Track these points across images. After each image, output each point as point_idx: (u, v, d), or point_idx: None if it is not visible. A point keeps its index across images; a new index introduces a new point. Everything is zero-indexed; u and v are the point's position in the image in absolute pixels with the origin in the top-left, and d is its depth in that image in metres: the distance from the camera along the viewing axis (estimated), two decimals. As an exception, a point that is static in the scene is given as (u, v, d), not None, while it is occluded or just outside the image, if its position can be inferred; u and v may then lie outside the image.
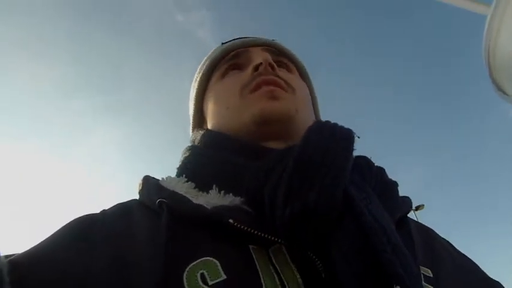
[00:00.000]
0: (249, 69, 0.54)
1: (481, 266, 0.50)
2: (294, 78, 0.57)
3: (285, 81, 0.53)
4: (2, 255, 0.19)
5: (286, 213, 0.35)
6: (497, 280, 0.49)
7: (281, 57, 0.60)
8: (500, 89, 0.52)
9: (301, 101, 0.54)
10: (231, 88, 0.54)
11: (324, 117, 0.65)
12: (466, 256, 0.51)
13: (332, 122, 0.44)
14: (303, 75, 0.63)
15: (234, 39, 0.62)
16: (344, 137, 0.41)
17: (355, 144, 0.41)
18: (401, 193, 0.49)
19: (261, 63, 0.52)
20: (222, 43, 0.62)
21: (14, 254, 0.37)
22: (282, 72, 0.55)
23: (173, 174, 0.51)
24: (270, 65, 0.53)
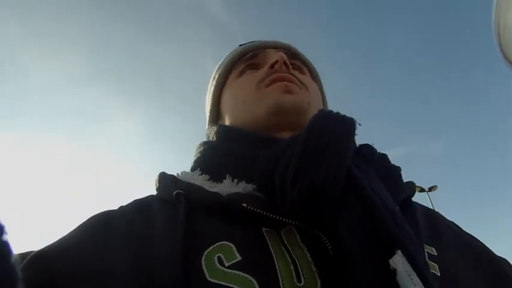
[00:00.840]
0: (265, 67, 0.57)
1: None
2: (306, 79, 0.61)
3: (298, 79, 0.57)
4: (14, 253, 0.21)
5: (295, 191, 0.37)
6: (504, 258, 0.50)
7: (295, 59, 0.64)
8: (511, 62, 0.51)
9: (313, 97, 0.58)
10: (248, 84, 0.58)
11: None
12: (472, 235, 0.52)
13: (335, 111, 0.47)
14: (314, 78, 0.67)
15: (251, 42, 0.66)
16: (346, 123, 0.45)
17: (357, 130, 0.45)
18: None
19: (277, 61, 0.56)
20: (240, 45, 0.66)
21: (32, 251, 0.38)
22: (295, 72, 0.59)
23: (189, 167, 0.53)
24: (285, 63, 0.56)
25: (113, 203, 0.47)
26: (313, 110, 0.53)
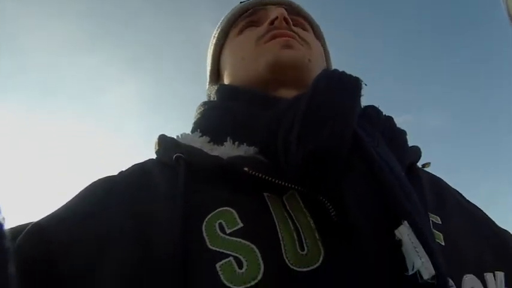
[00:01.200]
0: (265, 24, 0.55)
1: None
2: (308, 35, 0.59)
3: (299, 36, 0.55)
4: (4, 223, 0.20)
5: (299, 153, 0.35)
6: (507, 230, 0.50)
7: (297, 16, 0.61)
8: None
9: (315, 54, 0.56)
10: (247, 41, 0.56)
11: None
12: (475, 205, 0.52)
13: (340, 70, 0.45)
14: (318, 36, 0.64)
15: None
16: (352, 83, 0.42)
17: (362, 91, 0.43)
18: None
19: (277, 17, 0.54)
20: (241, 1, 0.63)
21: (30, 223, 0.38)
22: (297, 29, 0.57)
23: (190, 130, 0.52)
24: (285, 19, 0.54)
25: (111, 172, 0.46)
26: (314, 67, 0.52)
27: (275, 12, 0.55)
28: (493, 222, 0.50)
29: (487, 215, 0.51)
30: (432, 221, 0.41)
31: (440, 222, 0.42)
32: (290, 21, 0.55)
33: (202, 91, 0.66)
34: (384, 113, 0.48)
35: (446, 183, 0.53)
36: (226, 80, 0.59)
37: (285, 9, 0.58)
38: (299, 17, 0.61)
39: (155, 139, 0.49)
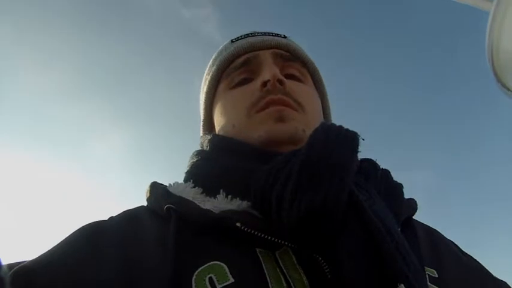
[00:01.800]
0: (258, 83, 0.53)
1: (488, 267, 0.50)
2: (304, 92, 0.56)
3: (294, 100, 0.52)
4: (3, 264, 0.20)
5: (293, 213, 0.35)
6: (503, 280, 0.49)
7: (292, 62, 0.58)
8: (504, 86, 0.51)
9: (311, 119, 0.53)
10: (238, 105, 0.53)
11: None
12: (471, 257, 0.51)
13: (337, 124, 0.44)
14: (316, 81, 0.62)
15: (243, 37, 0.60)
16: (349, 139, 0.41)
17: (360, 147, 0.42)
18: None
19: (269, 80, 0.51)
20: (232, 40, 0.61)
21: (22, 262, 0.37)
22: (292, 84, 0.54)
23: (182, 179, 0.51)
24: (279, 80, 0.52)
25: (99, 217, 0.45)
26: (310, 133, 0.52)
27: (268, 70, 0.53)
28: (491, 274, 0.49)
29: (483, 266, 0.50)
30: (428, 274, 0.40)
31: (436, 276, 0.41)
32: (284, 81, 0.52)
33: (188, 145, 0.64)
34: (380, 166, 0.48)
35: (441, 234, 0.53)
36: (219, 132, 0.57)
37: (280, 54, 0.57)
38: (294, 63, 0.58)
39: (147, 186, 0.49)
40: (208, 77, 0.61)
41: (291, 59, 0.58)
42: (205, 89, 0.62)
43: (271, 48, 0.57)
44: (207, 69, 0.64)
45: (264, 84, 0.52)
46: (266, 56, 0.56)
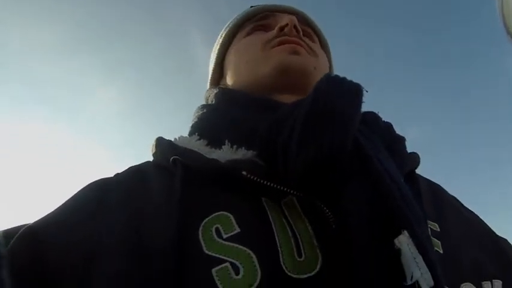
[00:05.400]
0: (275, 29, 0.55)
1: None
2: (315, 46, 0.59)
3: (307, 45, 0.55)
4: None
5: (299, 160, 0.35)
6: (504, 238, 0.50)
7: (306, 27, 0.61)
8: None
9: (321, 63, 0.56)
10: (254, 44, 0.56)
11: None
12: (473, 212, 0.52)
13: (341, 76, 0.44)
14: (325, 49, 0.65)
15: (263, 5, 0.63)
16: (353, 89, 0.42)
17: (363, 98, 0.42)
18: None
19: (287, 24, 0.54)
20: (251, 6, 0.63)
21: (26, 224, 0.37)
22: (305, 39, 0.57)
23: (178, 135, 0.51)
24: (295, 27, 0.54)
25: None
26: (319, 75, 0.51)
27: (286, 19, 0.55)
28: (492, 230, 0.50)
29: (485, 223, 0.51)
30: (430, 228, 0.41)
31: (438, 230, 0.42)
32: (300, 30, 0.55)
33: (185, 100, 0.67)
34: (382, 119, 0.48)
35: (444, 189, 0.53)
36: (229, 82, 0.58)
37: (296, 18, 0.58)
38: (308, 28, 0.62)
39: (152, 141, 0.48)
40: (224, 32, 0.63)
41: (306, 24, 0.62)
42: (220, 41, 0.63)
43: (289, 13, 0.60)
44: (222, 29, 0.65)
45: (282, 28, 0.54)
46: (283, 15, 0.59)
